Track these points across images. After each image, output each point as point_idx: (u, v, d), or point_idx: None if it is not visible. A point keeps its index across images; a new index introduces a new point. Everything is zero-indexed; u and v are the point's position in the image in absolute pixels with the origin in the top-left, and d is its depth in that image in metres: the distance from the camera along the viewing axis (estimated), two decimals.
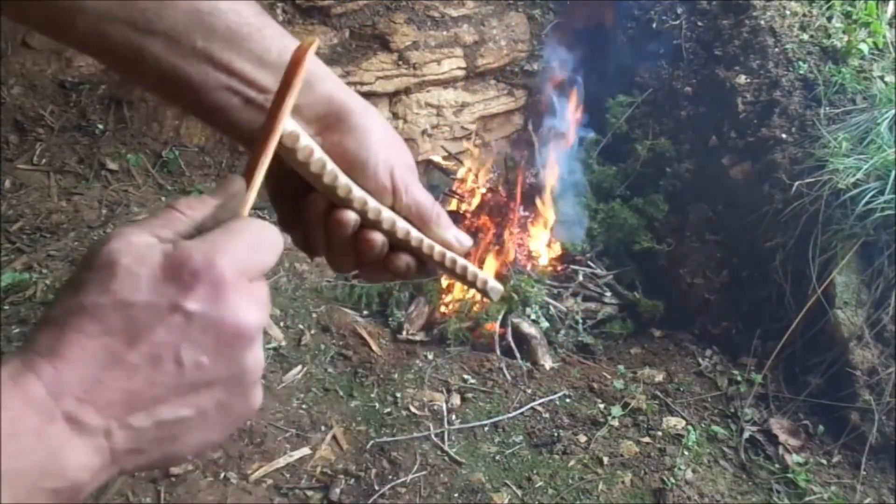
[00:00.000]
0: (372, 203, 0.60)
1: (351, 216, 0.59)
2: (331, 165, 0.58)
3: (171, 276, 0.42)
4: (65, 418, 0.39)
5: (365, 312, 2.64)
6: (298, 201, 0.61)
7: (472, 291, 2.81)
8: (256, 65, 0.57)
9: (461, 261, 0.64)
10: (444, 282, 2.75)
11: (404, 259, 0.62)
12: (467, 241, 0.65)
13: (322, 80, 0.60)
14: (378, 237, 0.60)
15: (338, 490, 1.89)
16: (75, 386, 0.40)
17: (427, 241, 0.62)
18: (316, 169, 0.57)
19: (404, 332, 2.55)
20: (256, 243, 0.46)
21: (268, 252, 0.47)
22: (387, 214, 0.61)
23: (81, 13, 0.54)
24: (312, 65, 0.59)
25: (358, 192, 0.59)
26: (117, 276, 0.42)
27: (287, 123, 0.56)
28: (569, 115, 3.39)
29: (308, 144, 0.57)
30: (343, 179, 0.58)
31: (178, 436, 0.44)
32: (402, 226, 0.61)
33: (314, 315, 2.45)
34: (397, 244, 0.62)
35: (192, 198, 0.48)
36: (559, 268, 2.94)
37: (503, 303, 2.65)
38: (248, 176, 0.52)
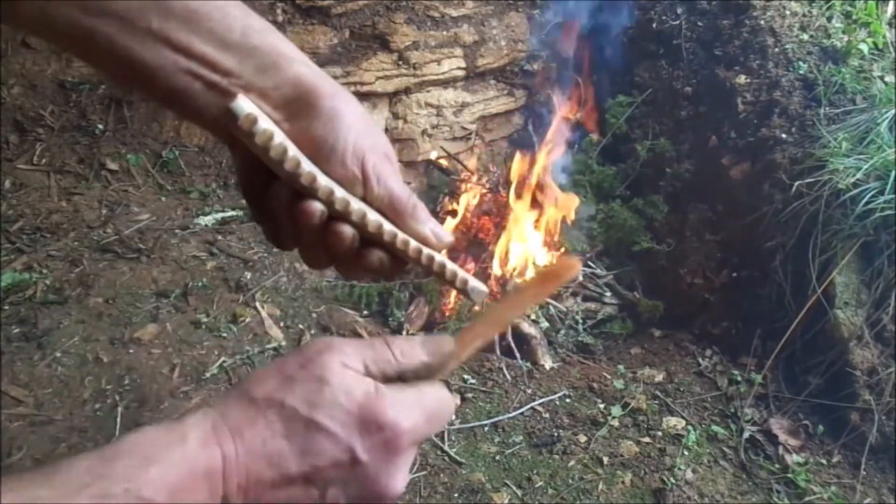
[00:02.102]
0: (339, 193, 0.55)
1: (316, 207, 0.54)
2: (293, 151, 0.54)
3: (362, 419, 0.47)
4: (221, 497, 0.44)
5: (365, 312, 2.64)
6: (266, 190, 0.57)
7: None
8: (218, 46, 0.53)
9: (439, 258, 0.59)
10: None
11: (377, 255, 0.58)
12: (446, 236, 0.60)
13: (291, 61, 0.56)
14: (347, 230, 0.56)
15: None
16: (243, 472, 0.44)
17: (401, 236, 0.57)
18: (276, 155, 0.53)
19: (404, 332, 2.55)
20: (435, 417, 0.51)
21: (439, 426, 0.52)
22: (356, 206, 0.56)
23: None
24: (282, 45, 0.56)
25: (324, 181, 0.54)
26: (323, 396, 0.47)
27: (246, 105, 0.53)
28: (569, 115, 3.39)
29: (267, 128, 0.53)
30: (307, 167, 0.54)
31: None
32: (373, 218, 0.56)
33: (314, 315, 2.45)
34: (370, 238, 0.57)
35: (407, 344, 0.52)
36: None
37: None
38: (460, 343, 0.54)
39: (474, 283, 0.60)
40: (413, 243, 0.58)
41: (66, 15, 0.51)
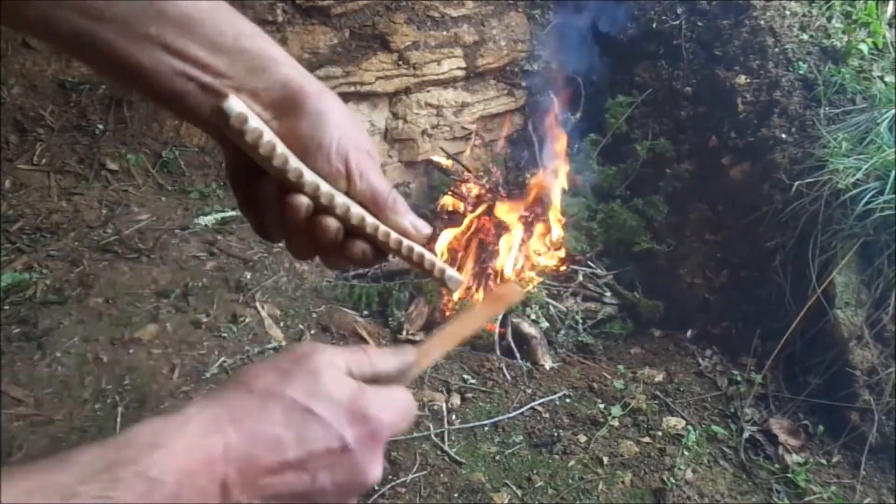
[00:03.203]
0: (324, 188, 0.59)
1: (302, 200, 0.58)
2: (281, 149, 0.57)
3: (351, 412, 0.51)
4: (221, 482, 0.46)
5: (365, 312, 2.64)
6: (254, 185, 0.61)
7: (474, 294, 2.80)
8: (211, 50, 0.56)
9: (418, 248, 0.63)
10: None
11: (360, 246, 0.62)
12: (425, 228, 0.64)
13: (279, 64, 0.59)
14: (332, 222, 0.60)
15: None
16: (242, 458, 0.47)
17: (383, 228, 0.61)
18: (265, 152, 0.56)
19: (404, 332, 2.55)
20: (405, 413, 0.56)
21: (407, 423, 0.57)
22: (340, 200, 0.59)
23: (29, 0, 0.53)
24: (271, 48, 0.59)
25: (310, 177, 0.58)
26: (318, 388, 0.51)
27: (236, 105, 0.56)
28: (568, 115, 3.39)
29: (257, 127, 0.56)
30: (293, 163, 0.57)
31: None
32: (356, 212, 0.60)
33: (314, 315, 2.45)
34: (353, 230, 0.61)
35: (378, 352, 0.58)
36: (559, 268, 2.94)
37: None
38: (421, 354, 0.61)
39: (451, 272, 0.65)
40: (394, 235, 0.62)
41: (66, 20, 0.53)
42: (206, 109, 0.57)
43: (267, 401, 0.49)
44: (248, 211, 0.64)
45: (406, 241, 0.62)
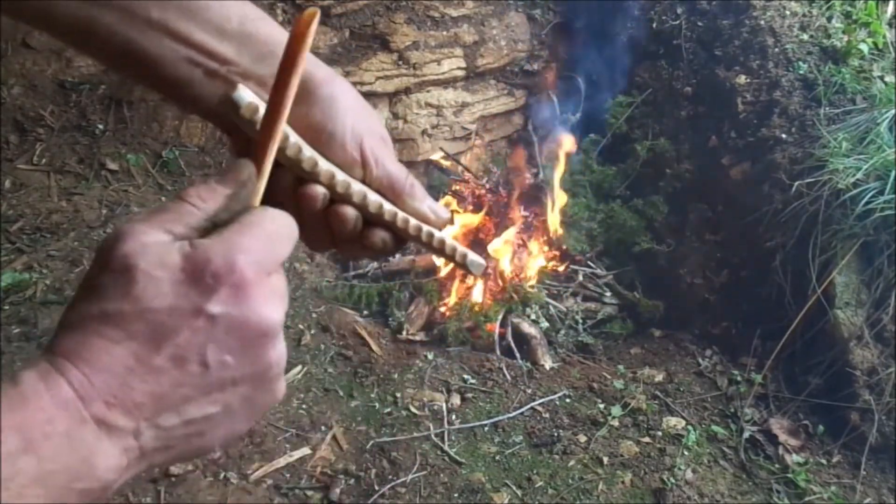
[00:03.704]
0: (340, 176, 0.57)
1: (319, 190, 0.56)
2: (294, 138, 0.55)
3: (192, 279, 0.42)
4: (94, 421, 0.39)
5: (365, 312, 2.64)
6: (268, 178, 0.57)
7: (474, 293, 2.79)
8: (216, 35, 0.54)
9: (438, 234, 0.61)
10: (444, 282, 2.75)
11: (380, 235, 0.59)
12: (444, 213, 0.62)
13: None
14: (350, 211, 0.57)
15: (338, 490, 1.89)
16: (104, 390, 0.40)
17: (402, 215, 0.59)
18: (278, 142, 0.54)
19: (404, 332, 2.55)
20: (273, 236, 0.47)
21: (285, 243, 0.48)
22: (357, 188, 0.57)
23: None
24: (278, 33, 0.56)
25: (325, 166, 0.56)
26: (137, 281, 0.42)
27: (247, 95, 0.54)
28: (568, 115, 3.39)
29: None
30: (308, 152, 0.56)
31: (206, 431, 0.45)
32: (374, 199, 0.58)
33: (314, 315, 2.45)
34: (371, 219, 0.59)
35: (201, 187, 0.47)
36: (559, 268, 2.94)
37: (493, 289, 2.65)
38: (257, 160, 0.51)
39: (473, 256, 0.62)
40: (413, 221, 0.60)
41: (66, 6, 0.51)
42: (214, 97, 0.55)
43: (94, 328, 0.41)
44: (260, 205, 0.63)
45: (426, 228, 0.60)
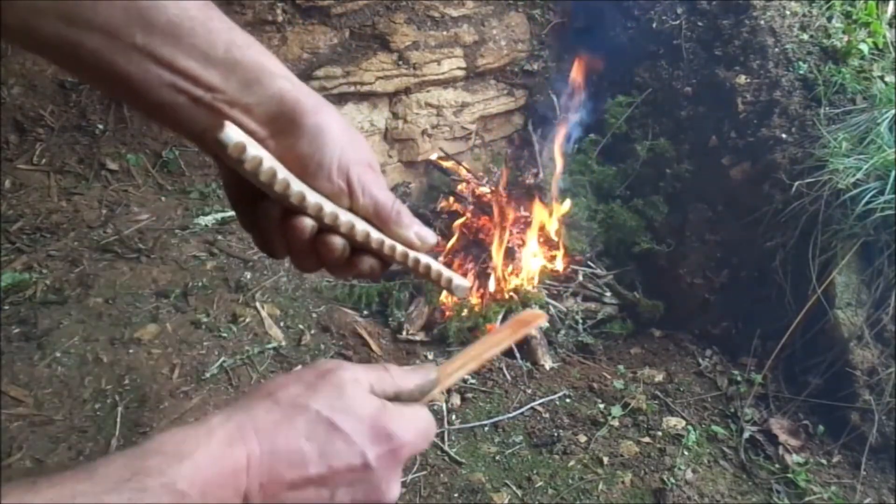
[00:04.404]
0: (328, 207, 0.58)
1: (307, 222, 0.57)
2: (283, 174, 0.56)
3: (373, 430, 0.51)
4: (244, 494, 0.46)
5: (365, 312, 2.64)
6: (257, 204, 0.59)
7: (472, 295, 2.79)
8: (201, 62, 0.54)
9: (424, 259, 0.63)
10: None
11: (367, 262, 0.62)
12: (430, 237, 0.64)
13: (273, 77, 0.57)
14: (338, 240, 0.59)
15: None
16: (265, 472, 0.47)
17: (388, 242, 0.61)
18: (266, 178, 0.55)
19: (404, 332, 2.55)
20: (425, 435, 0.56)
21: (427, 443, 0.57)
22: (344, 218, 0.59)
23: (9, 7, 0.50)
24: (265, 60, 0.57)
25: (312, 198, 0.57)
26: (343, 403, 0.51)
27: (234, 134, 0.54)
28: (568, 115, 3.39)
29: (256, 155, 0.54)
30: (296, 187, 0.56)
31: None
32: (361, 228, 0.60)
33: (314, 315, 2.45)
34: (359, 247, 0.61)
35: (399, 370, 0.59)
36: (559, 268, 2.94)
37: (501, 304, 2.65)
38: (442, 373, 0.61)
39: (458, 280, 0.65)
40: (399, 248, 0.62)
41: (50, 28, 0.51)
42: (199, 124, 0.55)
43: (291, 412, 0.50)
44: (250, 229, 0.64)
45: (412, 254, 0.62)
